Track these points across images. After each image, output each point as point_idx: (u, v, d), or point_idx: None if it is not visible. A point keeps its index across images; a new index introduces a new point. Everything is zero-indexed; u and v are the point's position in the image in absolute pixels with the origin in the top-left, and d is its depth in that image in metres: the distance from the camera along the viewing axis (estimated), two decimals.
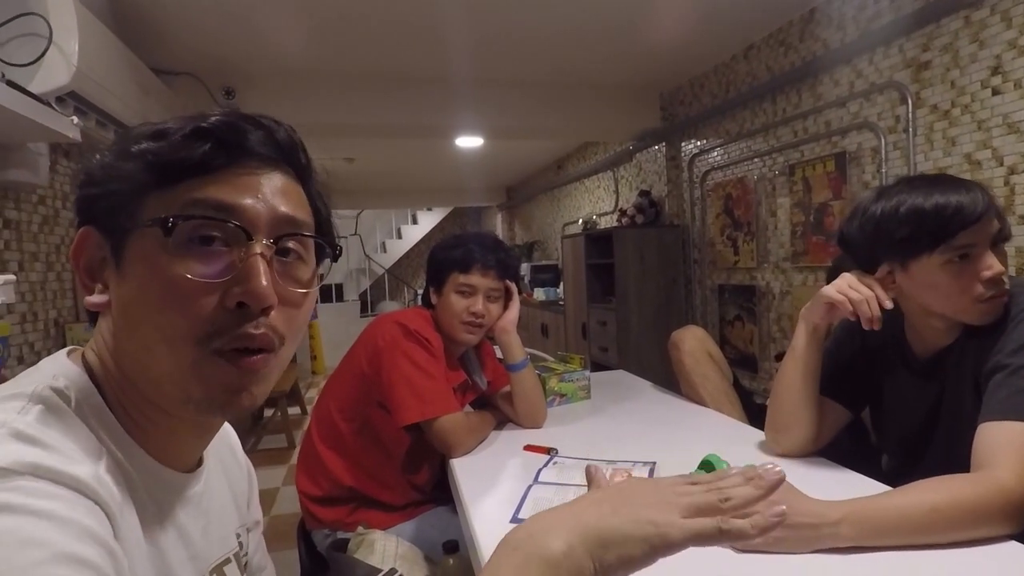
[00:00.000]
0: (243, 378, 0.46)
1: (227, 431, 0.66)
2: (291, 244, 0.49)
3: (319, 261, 0.54)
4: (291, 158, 0.51)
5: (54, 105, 1.51)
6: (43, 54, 1.44)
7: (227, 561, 0.58)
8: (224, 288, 0.45)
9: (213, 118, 0.47)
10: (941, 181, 0.95)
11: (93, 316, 0.51)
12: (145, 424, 0.48)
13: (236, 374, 0.46)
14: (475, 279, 1.35)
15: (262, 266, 0.45)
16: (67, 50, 1.51)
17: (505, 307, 1.42)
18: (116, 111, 1.87)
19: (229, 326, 0.45)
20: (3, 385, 0.45)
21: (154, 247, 0.45)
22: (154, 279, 0.44)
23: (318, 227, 0.53)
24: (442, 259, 1.40)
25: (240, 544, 0.62)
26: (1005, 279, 0.92)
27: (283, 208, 0.48)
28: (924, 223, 0.91)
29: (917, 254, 0.94)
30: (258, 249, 0.46)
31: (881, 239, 0.97)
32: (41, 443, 0.39)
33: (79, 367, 0.47)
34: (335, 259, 0.56)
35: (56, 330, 1.98)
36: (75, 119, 1.59)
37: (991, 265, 0.91)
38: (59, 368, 0.47)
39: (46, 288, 1.94)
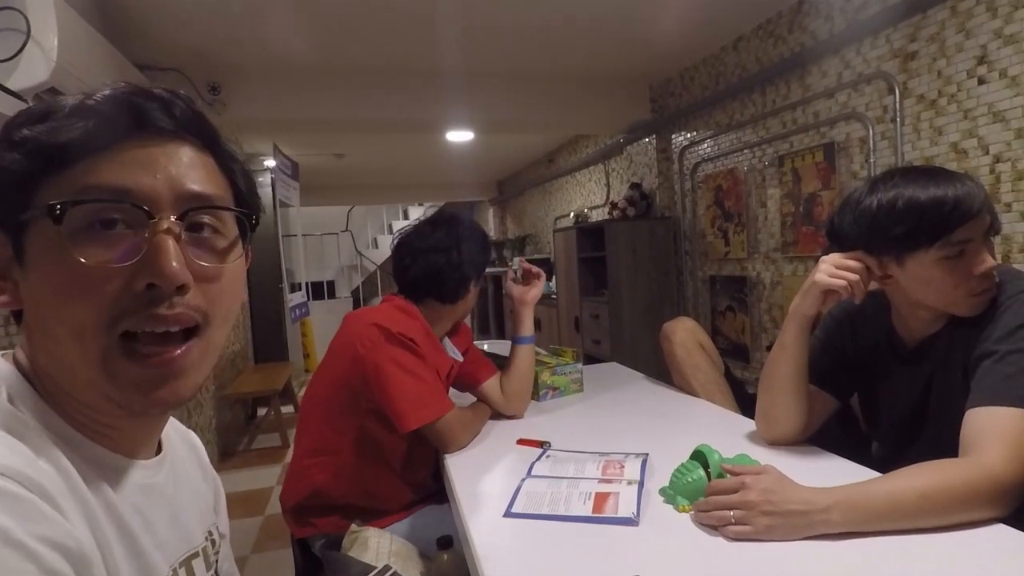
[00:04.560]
0: (157, 374, 0.44)
1: (194, 440, 0.65)
2: (205, 219, 0.47)
3: (243, 234, 0.51)
4: (194, 129, 0.48)
5: (31, 102, 1.49)
6: (21, 49, 1.42)
7: (195, 555, 0.57)
8: (131, 272, 0.42)
9: (100, 93, 0.44)
10: (936, 174, 0.93)
11: (18, 316, 0.48)
12: (85, 416, 0.47)
13: (150, 372, 0.44)
14: None
15: (170, 244, 0.43)
16: (46, 45, 1.48)
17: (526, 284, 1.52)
18: None
19: (138, 308, 0.43)
20: None
21: (50, 237, 0.42)
22: (54, 271, 0.42)
23: (238, 199, 0.50)
24: (482, 261, 1.43)
25: (212, 542, 0.60)
26: (995, 272, 0.93)
27: (189, 184, 0.45)
28: (923, 218, 0.90)
29: (914, 249, 0.93)
30: (164, 226, 0.43)
31: (877, 234, 0.96)
32: None
33: (11, 366, 0.46)
34: (253, 229, 0.52)
35: None
36: None
37: (985, 260, 0.91)
38: None
39: None
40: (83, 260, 0.41)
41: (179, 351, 0.45)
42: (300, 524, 1.30)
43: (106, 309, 0.42)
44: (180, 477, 0.58)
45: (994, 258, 0.93)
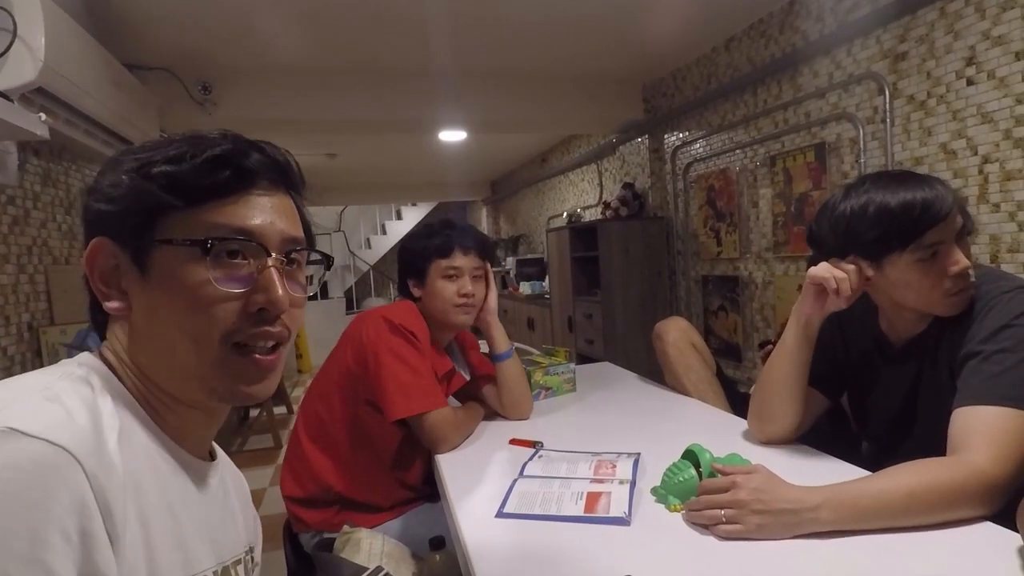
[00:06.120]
0: (260, 372, 0.54)
1: (241, 476, 0.71)
2: (294, 256, 0.57)
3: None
4: (290, 180, 0.58)
5: (17, 102, 1.47)
6: (7, 49, 1.40)
7: (238, 561, 0.61)
8: (246, 296, 0.52)
9: (224, 145, 0.53)
10: (906, 179, 0.96)
11: (97, 321, 0.57)
12: (161, 409, 0.54)
13: (254, 369, 0.54)
14: (459, 261, 1.37)
15: (278, 277, 0.53)
16: (33, 45, 1.47)
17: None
18: (87, 108, 1.83)
19: (250, 326, 0.53)
20: (24, 375, 0.49)
21: (187, 261, 0.51)
22: (187, 288, 0.51)
23: (306, 236, 0.61)
24: (420, 249, 1.39)
25: (251, 558, 0.65)
26: (971, 272, 0.94)
27: (287, 228, 0.56)
28: (894, 223, 0.93)
29: (889, 252, 0.95)
30: (271, 263, 0.53)
31: (852, 239, 0.98)
32: (69, 410, 0.44)
33: (100, 362, 0.53)
34: (329, 268, 0.64)
35: (30, 334, 1.94)
36: (43, 116, 1.55)
37: (958, 260, 0.93)
38: (81, 359, 0.52)
39: (18, 291, 1.90)
40: (218, 286, 0.51)
41: (275, 356, 0.55)
42: (297, 517, 1.32)
43: (224, 324, 0.52)
44: (229, 490, 0.64)
45: (969, 258, 0.95)
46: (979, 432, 0.82)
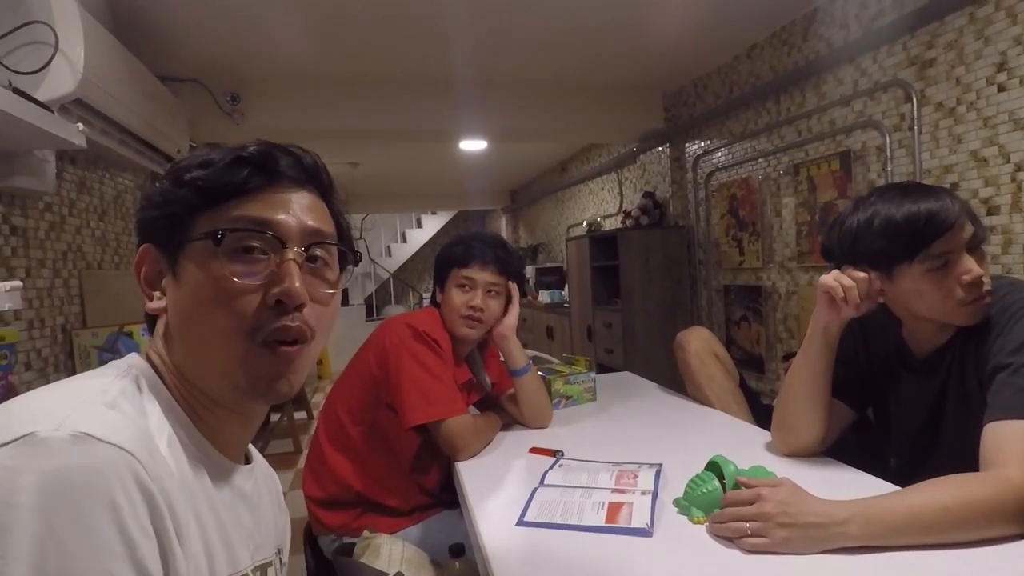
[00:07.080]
0: (282, 366, 0.54)
1: (275, 474, 0.72)
2: (318, 252, 0.57)
3: (342, 267, 0.62)
4: (316, 180, 0.59)
5: (57, 113, 1.52)
6: (49, 62, 1.46)
7: (269, 564, 0.62)
8: (264, 289, 0.53)
9: (251, 148, 0.55)
10: (912, 190, 0.95)
11: (150, 324, 0.59)
12: (200, 411, 0.55)
13: (276, 363, 0.53)
14: (474, 273, 1.37)
15: (295, 270, 0.53)
16: (73, 58, 1.52)
17: (504, 311, 1.43)
18: (121, 118, 1.89)
19: (270, 320, 0.53)
20: (76, 378, 0.51)
21: (206, 256, 0.52)
22: (206, 283, 0.52)
23: (339, 237, 0.61)
24: (445, 257, 1.43)
25: (280, 560, 0.66)
26: (986, 280, 0.93)
27: (310, 221, 0.56)
28: (899, 234, 0.93)
29: (897, 264, 0.95)
30: (291, 256, 0.54)
31: (861, 252, 0.98)
32: (127, 415, 0.46)
33: (147, 364, 0.55)
34: (356, 264, 0.63)
35: (63, 336, 1.99)
36: (80, 126, 1.60)
37: (969, 269, 0.91)
38: (130, 362, 0.55)
39: (53, 295, 1.95)
40: (234, 278, 0.52)
41: (293, 348, 0.55)
42: (317, 518, 1.34)
43: (245, 318, 0.52)
44: (262, 493, 0.65)
45: (984, 267, 0.93)
46: (1013, 446, 0.80)
